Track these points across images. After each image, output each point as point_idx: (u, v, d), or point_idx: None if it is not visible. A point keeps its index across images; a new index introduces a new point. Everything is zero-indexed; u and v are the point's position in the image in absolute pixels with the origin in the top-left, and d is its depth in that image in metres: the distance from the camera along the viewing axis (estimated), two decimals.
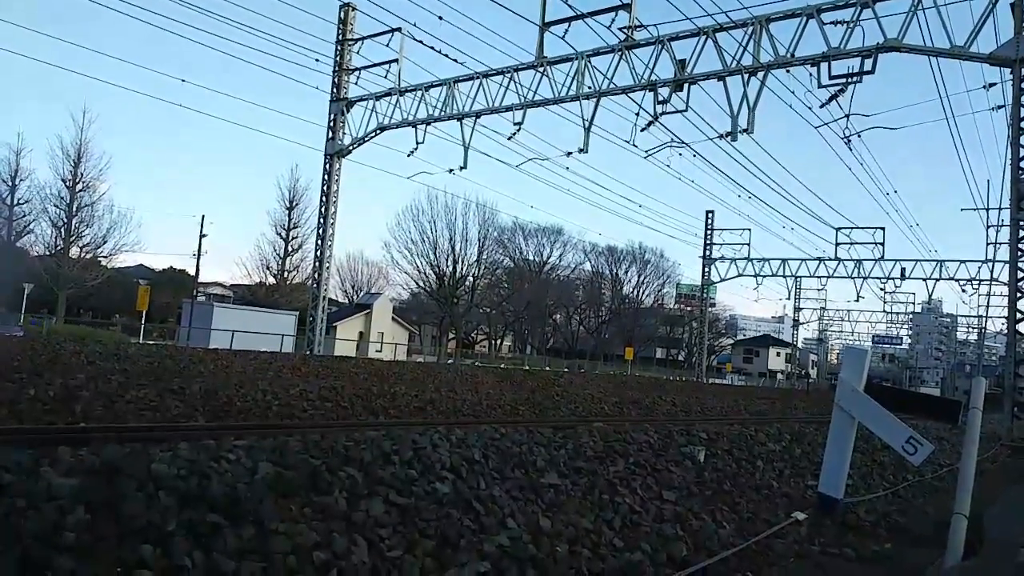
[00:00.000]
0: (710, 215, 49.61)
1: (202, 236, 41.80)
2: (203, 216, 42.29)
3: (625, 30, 20.39)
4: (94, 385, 10.08)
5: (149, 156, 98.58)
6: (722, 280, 49.95)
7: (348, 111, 27.93)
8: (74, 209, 37.24)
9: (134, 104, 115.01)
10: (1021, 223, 16.93)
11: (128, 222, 40.45)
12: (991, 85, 19.08)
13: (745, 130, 19.18)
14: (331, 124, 28.22)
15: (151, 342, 27.52)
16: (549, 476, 5.26)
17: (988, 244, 34.61)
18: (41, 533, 2.87)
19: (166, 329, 38.48)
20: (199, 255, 42.08)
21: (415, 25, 23.19)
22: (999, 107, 19.68)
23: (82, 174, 37.15)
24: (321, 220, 28.59)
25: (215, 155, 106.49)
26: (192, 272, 44.92)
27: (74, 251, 38.27)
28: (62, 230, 37.26)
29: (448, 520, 4.04)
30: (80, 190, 37.28)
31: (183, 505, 3.27)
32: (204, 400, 9.99)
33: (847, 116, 20.20)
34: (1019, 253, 17.02)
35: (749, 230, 47.58)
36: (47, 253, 37.91)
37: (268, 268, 48.92)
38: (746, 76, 19.24)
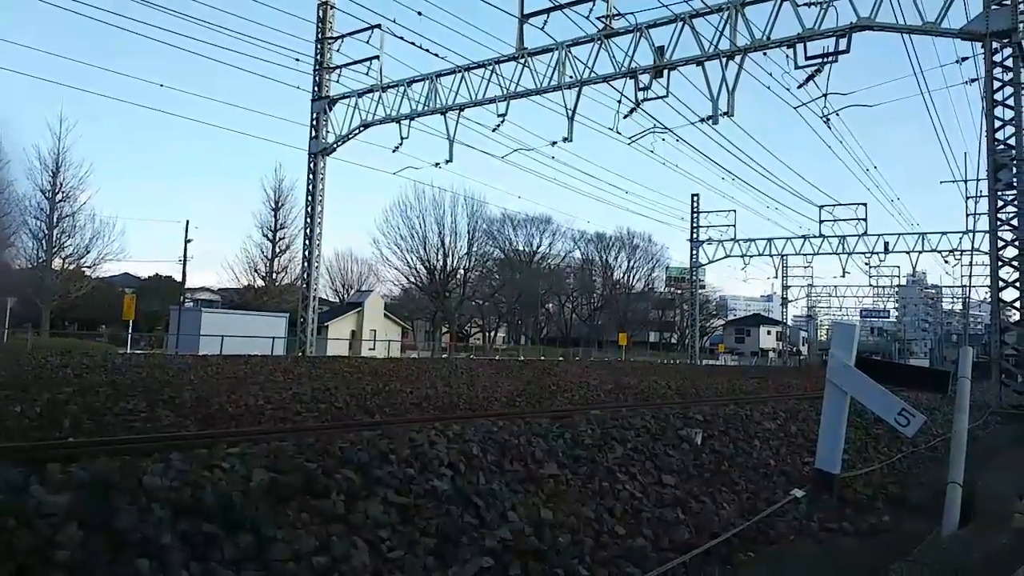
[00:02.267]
0: (695, 198, 49.84)
1: (187, 241, 41.46)
2: (187, 221, 41.99)
3: (603, 19, 20.49)
4: (82, 398, 9.97)
5: (130, 163, 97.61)
6: (710, 262, 50.35)
7: (331, 109, 27.77)
8: (55, 220, 36.80)
9: (112, 110, 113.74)
10: (999, 193, 17.11)
11: (111, 230, 40.02)
12: (964, 59, 19.30)
13: (725, 113, 19.38)
14: (314, 123, 28.05)
15: (139, 351, 27.31)
16: (548, 467, 5.25)
17: (968, 215, 35.06)
18: (33, 551, 2.82)
19: (154, 337, 38.21)
20: (185, 261, 41.73)
21: (394, 21, 23.19)
22: (972, 80, 19.94)
23: (61, 184, 36.73)
24: (308, 220, 28.43)
25: (197, 159, 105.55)
26: (178, 278, 44.56)
27: (56, 263, 37.86)
28: (43, 242, 36.82)
29: (448, 517, 4.02)
30: (60, 200, 36.86)
31: (177, 517, 3.22)
32: (195, 408, 9.90)
33: (825, 96, 20.40)
34: (998, 223, 17.21)
35: (734, 211, 48.05)
36: (29, 266, 37.46)
37: (256, 270, 48.69)
38: (724, 60, 19.38)
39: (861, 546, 5.02)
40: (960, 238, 41.44)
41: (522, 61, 22.09)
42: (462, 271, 60.62)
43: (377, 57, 25.51)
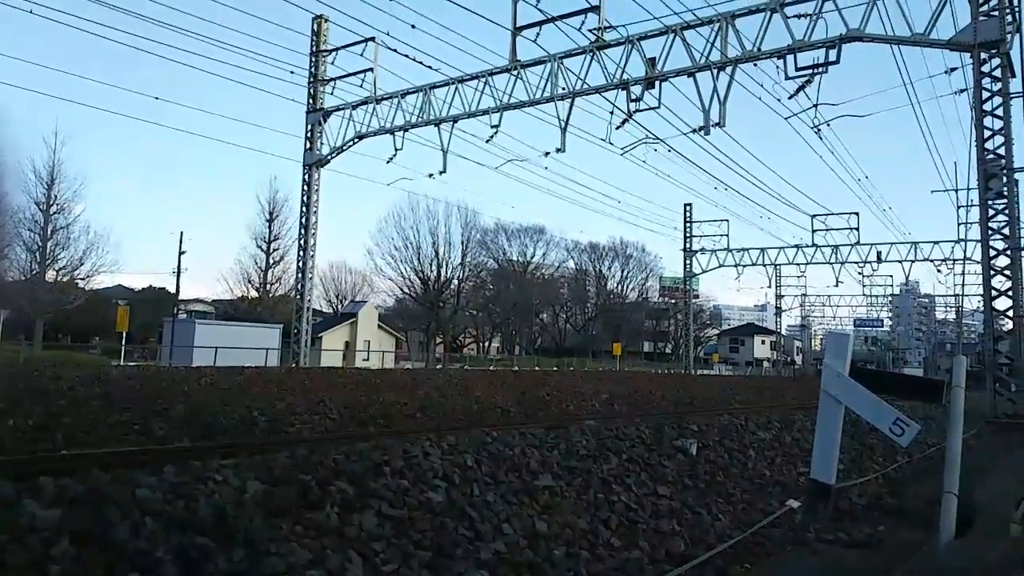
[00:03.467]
0: (688, 208, 49.98)
1: (181, 253, 41.33)
2: (182, 232, 41.87)
3: (595, 31, 20.63)
4: (75, 411, 9.91)
5: (125, 174, 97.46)
6: (704, 272, 50.38)
7: (325, 121, 27.84)
8: (49, 232, 36.66)
9: (107, 123, 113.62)
10: (989, 203, 17.21)
11: (105, 243, 39.76)
12: (952, 70, 19.49)
13: (717, 124, 19.50)
14: (308, 135, 28.11)
15: (132, 363, 27.16)
16: (543, 478, 5.24)
17: (959, 224, 35.16)
18: (26, 567, 2.80)
19: (148, 349, 38.00)
20: (179, 272, 41.58)
21: (388, 34, 23.40)
22: (961, 91, 20.04)
23: (56, 196, 36.61)
24: (302, 231, 28.42)
25: (192, 171, 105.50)
26: (172, 290, 44.41)
27: (50, 275, 37.67)
28: (37, 254, 36.67)
29: (443, 529, 4.00)
30: (54, 213, 36.72)
31: (171, 530, 3.20)
32: (189, 420, 9.85)
33: (815, 106, 20.53)
34: (989, 232, 17.28)
35: (727, 221, 48.18)
36: (22, 278, 37.27)
37: (250, 282, 48.51)
38: (715, 71, 19.52)
39: (857, 557, 5.02)
40: (952, 247, 41.67)
41: (515, 73, 22.20)
42: (456, 281, 60.57)
43: (371, 69, 25.67)
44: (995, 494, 6.48)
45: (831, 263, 45.32)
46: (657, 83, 20.41)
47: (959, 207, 32.67)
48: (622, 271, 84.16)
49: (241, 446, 7.25)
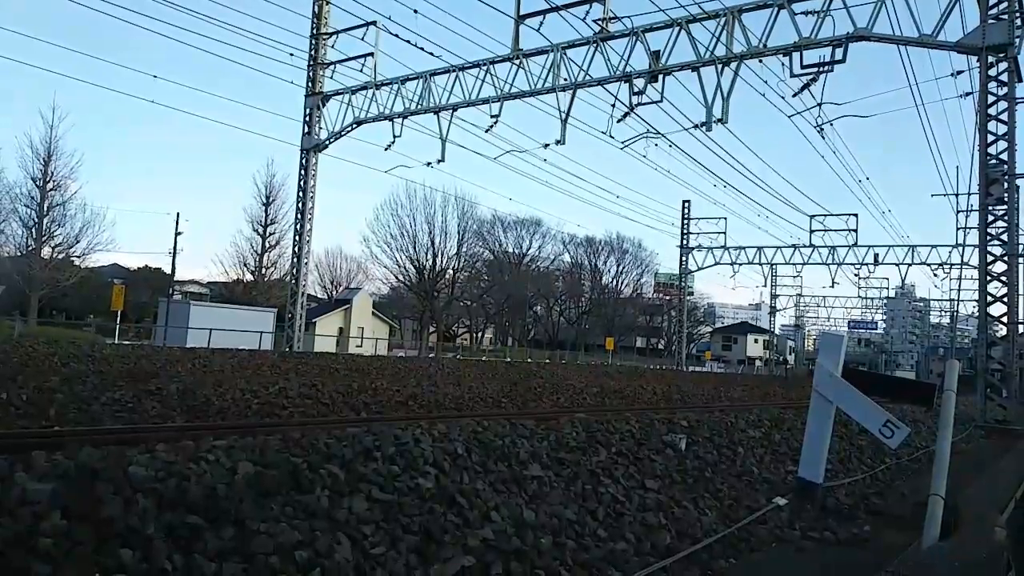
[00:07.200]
0: (686, 204, 49.97)
1: (177, 233, 41.18)
2: (178, 213, 41.68)
3: (600, 22, 20.51)
4: (68, 387, 9.91)
5: (122, 153, 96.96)
6: (699, 269, 50.41)
7: (324, 105, 27.70)
8: (45, 208, 36.55)
9: (105, 100, 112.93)
10: (989, 208, 17.21)
11: (101, 221, 39.85)
12: (959, 73, 19.36)
13: (719, 120, 19.41)
14: (307, 119, 27.98)
15: (127, 342, 27.13)
16: (532, 468, 5.26)
17: (958, 229, 35.29)
18: (16, 540, 2.81)
19: (142, 329, 37.96)
20: (175, 253, 41.45)
21: (390, 19, 23.30)
22: (967, 94, 19.96)
23: (53, 172, 36.50)
24: (298, 216, 28.34)
25: (189, 151, 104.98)
26: (168, 270, 44.30)
27: (46, 251, 37.59)
28: (33, 230, 36.55)
29: (431, 515, 4.03)
30: (51, 189, 36.60)
31: (162, 508, 3.22)
32: (182, 400, 9.87)
33: (819, 105, 20.48)
34: (988, 237, 17.28)
35: (725, 219, 48.19)
36: (18, 254, 37.17)
37: (245, 265, 48.49)
38: (719, 67, 19.42)
39: (842, 555, 5.07)
40: (950, 252, 41.78)
41: (517, 62, 22.08)
42: (451, 271, 60.61)
43: (372, 54, 25.50)
44: (981, 499, 6.54)
45: (828, 264, 45.48)
46: (660, 77, 20.32)
47: (958, 211, 32.85)
48: (618, 266, 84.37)
49: (233, 427, 7.27)
